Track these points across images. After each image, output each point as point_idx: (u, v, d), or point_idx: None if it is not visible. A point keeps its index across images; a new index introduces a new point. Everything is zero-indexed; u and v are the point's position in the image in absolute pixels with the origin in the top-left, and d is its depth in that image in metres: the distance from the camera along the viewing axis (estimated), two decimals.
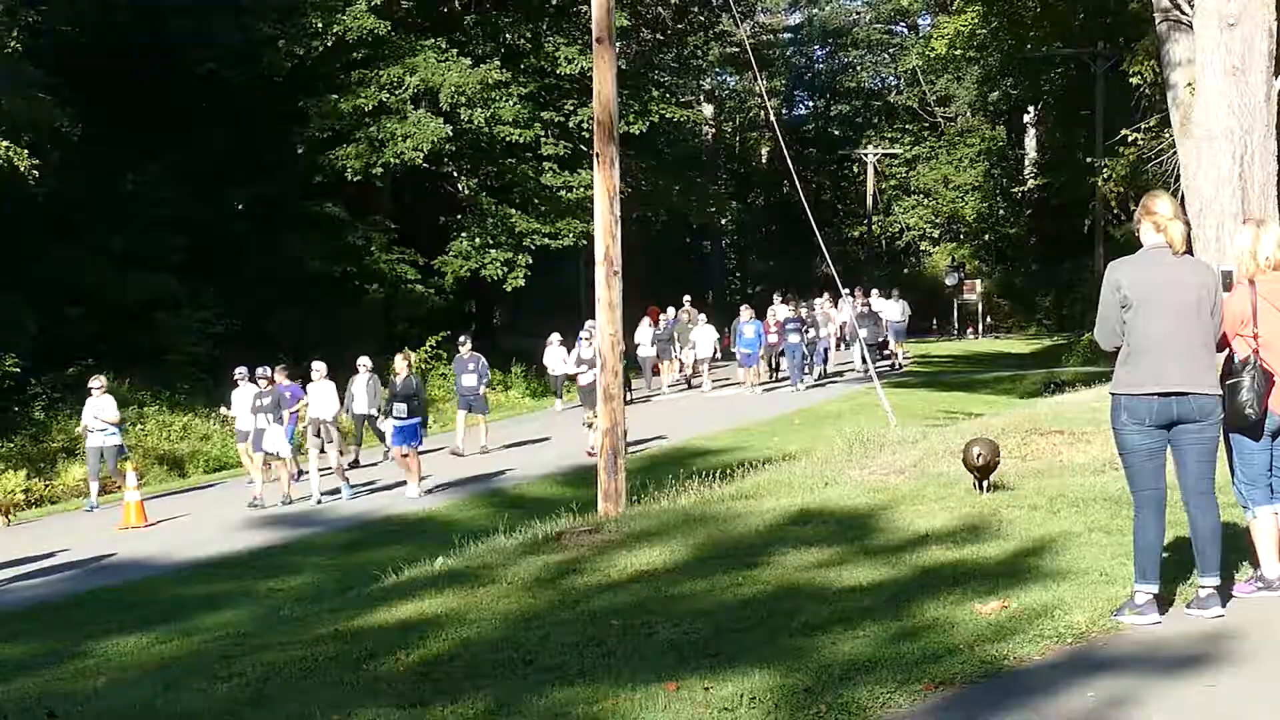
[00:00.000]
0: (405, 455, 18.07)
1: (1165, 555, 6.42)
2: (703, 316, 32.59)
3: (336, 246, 32.53)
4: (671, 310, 32.31)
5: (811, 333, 30.17)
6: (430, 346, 31.09)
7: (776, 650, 6.27)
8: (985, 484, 9.96)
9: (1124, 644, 6.01)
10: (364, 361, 20.43)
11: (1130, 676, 5.54)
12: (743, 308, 30.92)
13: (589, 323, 21.23)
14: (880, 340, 32.25)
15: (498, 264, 33.14)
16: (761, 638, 6.58)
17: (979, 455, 9.90)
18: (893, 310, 35.08)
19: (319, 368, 19.19)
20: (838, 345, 34.42)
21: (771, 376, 31.03)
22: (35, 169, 24.08)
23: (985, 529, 8.67)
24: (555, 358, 28.25)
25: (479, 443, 22.23)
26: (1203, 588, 6.33)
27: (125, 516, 17.53)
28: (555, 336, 28.57)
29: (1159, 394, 6.17)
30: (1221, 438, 6.43)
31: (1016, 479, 10.53)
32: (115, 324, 28.62)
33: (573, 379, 26.28)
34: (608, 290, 12.39)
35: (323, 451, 18.71)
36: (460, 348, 23.14)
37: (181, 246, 30.06)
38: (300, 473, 19.54)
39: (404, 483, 18.24)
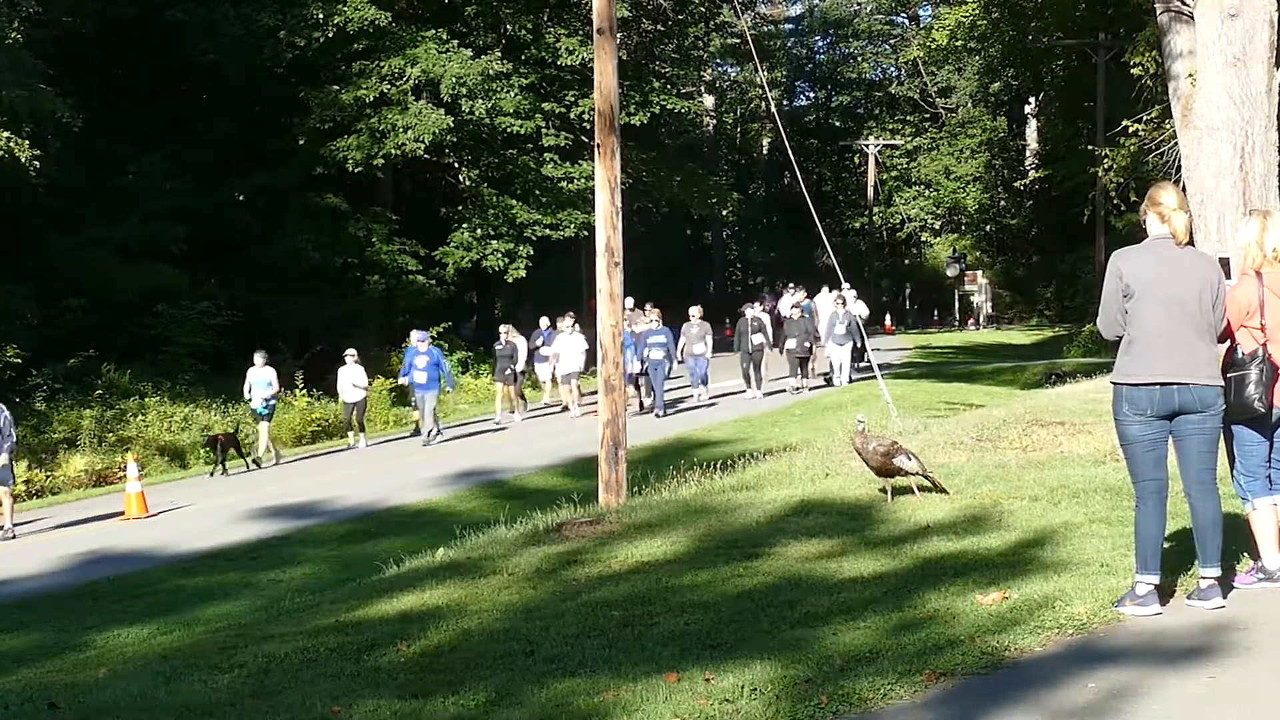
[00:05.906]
0: None
1: (1166, 546, 6.41)
2: (573, 324, 25.61)
3: (337, 237, 32.61)
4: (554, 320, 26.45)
5: (700, 348, 24.70)
6: (431, 338, 31.05)
7: (777, 641, 6.28)
8: (889, 488, 9.80)
9: (1125, 635, 6.00)
10: None
11: (1131, 668, 5.54)
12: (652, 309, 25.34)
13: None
14: (806, 352, 25.88)
15: (498, 255, 33.19)
16: (762, 629, 6.59)
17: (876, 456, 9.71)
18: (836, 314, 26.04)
19: None
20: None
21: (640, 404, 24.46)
22: (36, 160, 24.08)
23: (986, 520, 8.67)
24: (349, 380, 23.08)
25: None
26: (1204, 579, 6.32)
27: (126, 507, 17.54)
28: (352, 352, 23.64)
29: (1160, 384, 6.15)
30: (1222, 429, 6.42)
31: (1018, 470, 10.53)
32: (116, 315, 28.65)
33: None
34: (609, 281, 12.41)
35: None
36: None
37: (182, 237, 30.12)
38: None
39: None
